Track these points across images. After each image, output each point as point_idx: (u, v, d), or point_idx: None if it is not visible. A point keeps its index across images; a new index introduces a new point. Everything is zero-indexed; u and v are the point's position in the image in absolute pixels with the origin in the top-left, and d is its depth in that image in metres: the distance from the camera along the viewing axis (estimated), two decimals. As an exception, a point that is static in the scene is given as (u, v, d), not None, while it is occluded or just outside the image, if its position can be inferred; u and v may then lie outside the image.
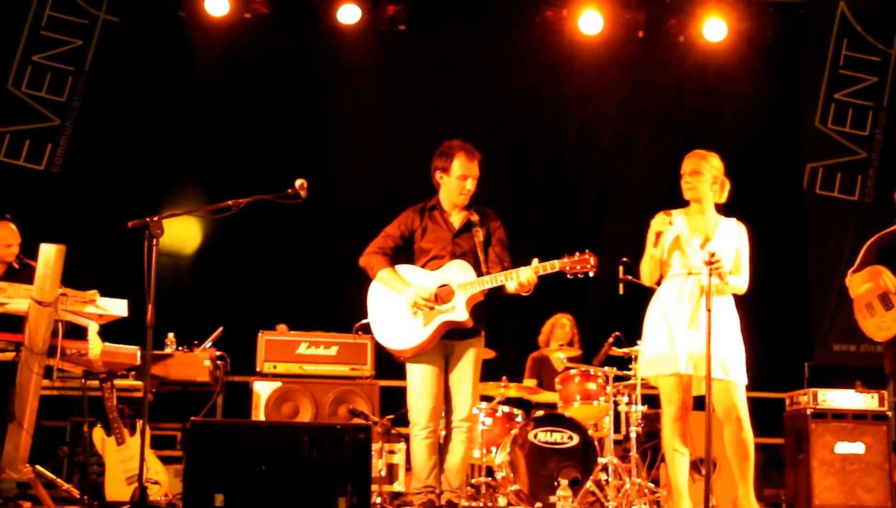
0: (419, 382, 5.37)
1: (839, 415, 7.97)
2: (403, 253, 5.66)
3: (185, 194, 9.33)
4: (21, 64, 9.43)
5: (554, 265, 5.32)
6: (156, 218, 5.19)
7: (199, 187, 9.37)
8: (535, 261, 5.32)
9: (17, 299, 5.75)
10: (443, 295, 5.33)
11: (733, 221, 5.61)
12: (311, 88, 9.90)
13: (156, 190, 9.36)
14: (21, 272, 6.79)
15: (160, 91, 9.70)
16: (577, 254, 5.34)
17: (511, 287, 5.31)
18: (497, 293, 5.57)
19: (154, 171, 9.56)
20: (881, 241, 5.82)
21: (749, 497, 5.24)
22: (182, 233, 9.67)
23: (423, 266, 5.48)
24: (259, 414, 7.77)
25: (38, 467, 5.86)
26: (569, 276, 5.37)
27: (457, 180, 5.59)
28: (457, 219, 5.59)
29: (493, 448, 7.28)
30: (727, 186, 5.61)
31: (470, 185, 5.60)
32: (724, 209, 5.70)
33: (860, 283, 5.74)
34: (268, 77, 9.92)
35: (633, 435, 7.35)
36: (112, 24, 9.56)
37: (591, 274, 5.37)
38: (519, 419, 7.48)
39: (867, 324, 5.67)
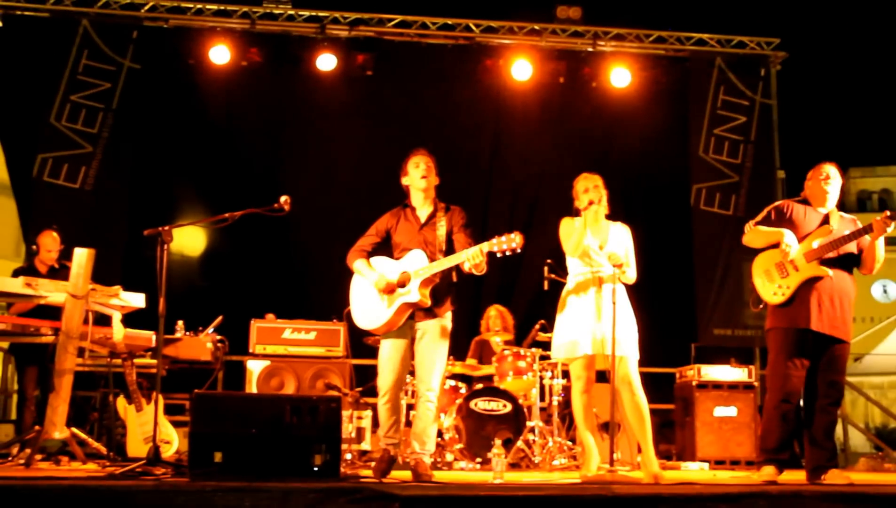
0: (385, 355, 5.28)
1: (717, 385, 8.11)
2: (386, 248, 5.50)
3: (192, 207, 9.26)
4: (62, 102, 9.43)
5: (490, 244, 4.95)
6: (167, 228, 5.15)
7: (203, 202, 9.29)
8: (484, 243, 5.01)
9: (55, 293, 5.76)
10: (402, 280, 5.23)
11: (619, 224, 5.56)
12: (296, 122, 9.87)
13: (168, 204, 9.34)
14: (60, 272, 6.85)
15: (173, 124, 9.69)
16: (505, 234, 4.93)
17: (466, 267, 5.06)
18: (465, 283, 5.38)
19: (167, 189, 9.55)
20: (788, 209, 5.45)
21: (649, 454, 5.24)
22: (190, 239, 9.62)
23: (395, 257, 5.39)
24: (252, 387, 7.75)
25: (73, 429, 5.83)
26: (499, 254, 4.95)
27: (413, 169, 5.39)
28: (423, 214, 5.41)
29: (442, 415, 7.30)
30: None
31: (424, 170, 5.37)
32: (618, 216, 5.61)
33: (762, 239, 5.38)
34: (261, 113, 9.91)
35: (554, 403, 7.40)
36: (135, 70, 9.56)
37: (518, 250, 4.91)
38: (462, 391, 7.50)
39: (764, 289, 5.33)
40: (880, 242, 5.25)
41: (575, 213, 5.55)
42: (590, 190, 5.47)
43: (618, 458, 5.26)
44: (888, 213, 5.09)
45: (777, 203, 5.53)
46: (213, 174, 9.64)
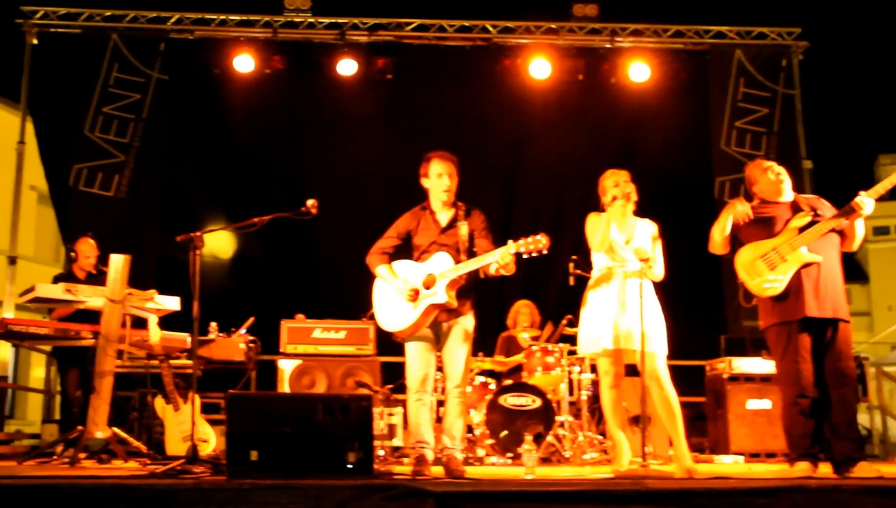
0: (413, 356, 5.25)
1: (749, 378, 7.94)
2: (406, 249, 5.46)
3: (220, 211, 9.35)
4: (95, 114, 9.57)
5: (517, 245, 4.90)
6: (198, 233, 5.14)
7: (230, 206, 9.39)
8: (509, 243, 5.00)
9: (94, 298, 5.82)
10: (428, 282, 5.21)
11: (647, 220, 5.49)
12: (318, 126, 9.91)
13: (197, 209, 9.45)
14: (98, 277, 6.91)
15: (201, 131, 9.78)
16: (531, 236, 4.89)
17: (492, 269, 5.05)
18: (491, 281, 5.37)
19: (196, 194, 9.65)
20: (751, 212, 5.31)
21: (682, 448, 5.12)
22: (220, 242, 9.68)
23: (416, 259, 5.36)
24: (283, 386, 7.74)
25: (114, 428, 5.86)
26: (524, 255, 4.90)
27: (435, 179, 5.32)
28: (443, 217, 5.35)
29: (472, 410, 7.26)
30: None
31: (446, 181, 5.30)
32: (641, 210, 5.51)
33: (719, 234, 5.26)
34: (284, 119, 9.95)
35: (583, 398, 7.33)
36: (163, 81, 9.68)
37: (544, 252, 4.88)
38: (492, 386, 7.46)
39: (753, 284, 5.15)
40: (860, 221, 5.15)
41: (601, 209, 5.48)
42: (619, 184, 5.39)
43: (649, 452, 5.18)
44: (862, 193, 5.01)
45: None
46: (240, 179, 9.71)
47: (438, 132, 9.40)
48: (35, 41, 9.61)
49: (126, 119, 9.52)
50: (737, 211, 5.19)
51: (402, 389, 5.78)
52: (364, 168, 9.75)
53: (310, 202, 5.37)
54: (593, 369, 7.22)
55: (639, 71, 9.82)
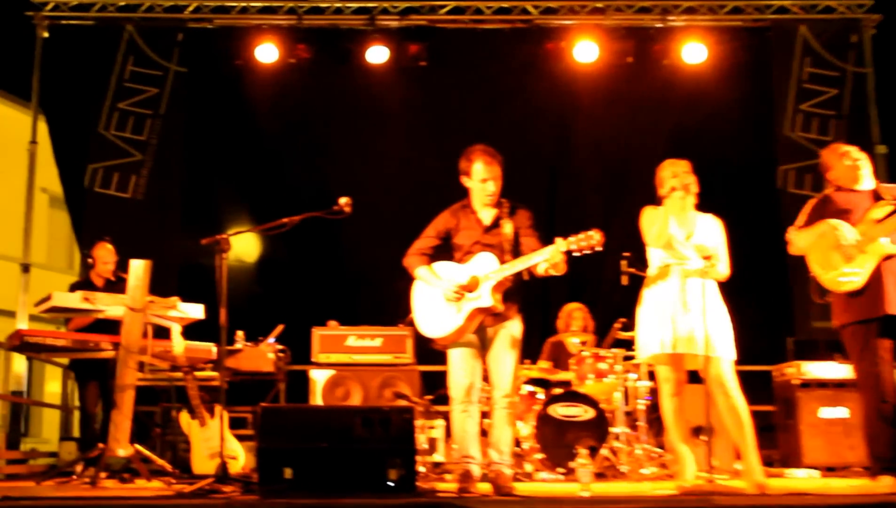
0: (457, 363, 5.24)
1: (822, 384, 7.78)
2: (445, 249, 5.46)
3: (244, 212, 9.41)
4: (110, 111, 9.64)
5: (567, 243, 4.88)
6: (225, 235, 5.17)
7: (254, 206, 9.45)
8: (558, 240, 4.98)
9: (114, 307, 5.83)
10: (471, 285, 5.19)
11: (710, 216, 5.45)
12: (348, 119, 9.89)
13: (220, 209, 9.52)
14: (117, 284, 6.97)
15: (222, 127, 9.82)
16: (583, 232, 4.87)
17: (541, 270, 5.06)
18: (533, 282, 5.34)
19: (218, 194, 9.70)
20: (827, 201, 5.35)
21: (752, 462, 5.02)
22: (245, 245, 9.73)
23: (458, 261, 5.35)
24: (316, 398, 7.76)
25: (137, 445, 5.90)
26: (576, 253, 4.89)
27: (479, 184, 5.32)
28: (486, 216, 5.35)
29: (519, 423, 7.22)
30: None
31: (491, 187, 5.30)
32: (705, 205, 5.48)
33: (807, 241, 5.28)
34: (311, 111, 9.94)
35: (640, 408, 7.26)
36: (181, 74, 9.73)
37: (598, 249, 4.87)
38: (540, 396, 7.42)
39: (828, 278, 5.12)
40: None
41: (657, 202, 5.43)
42: (679, 175, 5.34)
43: (715, 466, 5.11)
44: None
45: (812, 201, 5.38)
46: (264, 177, 9.74)
47: (476, 123, 9.39)
48: (46, 34, 9.69)
49: (143, 115, 9.60)
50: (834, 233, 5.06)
51: (442, 400, 5.78)
52: (399, 162, 9.74)
53: (343, 200, 5.39)
54: (651, 376, 7.15)
55: (693, 52, 9.72)
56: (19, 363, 9.07)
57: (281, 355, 7.35)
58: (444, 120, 9.67)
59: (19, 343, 5.96)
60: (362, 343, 7.95)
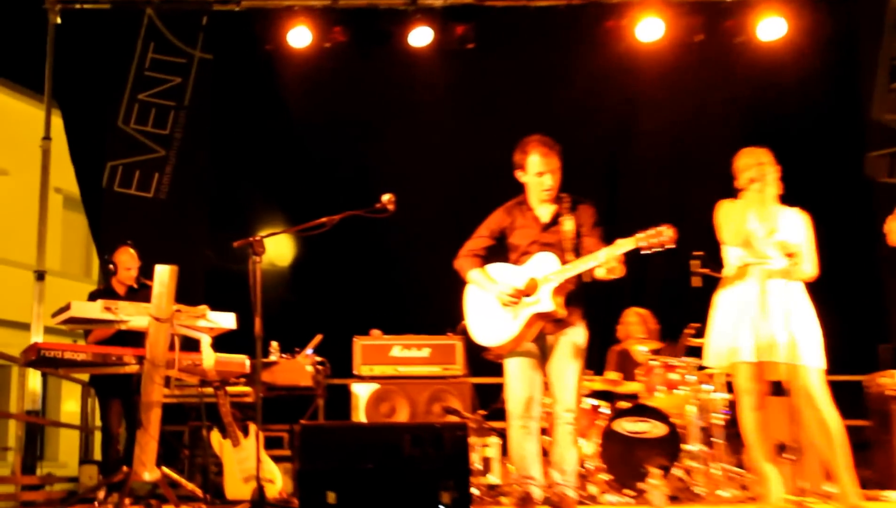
0: (515, 375, 5.25)
1: (922, 395, 7.70)
2: (500, 250, 5.47)
3: (276, 211, 9.49)
4: (129, 103, 9.72)
5: (634, 240, 4.89)
6: (258, 237, 5.21)
7: (287, 205, 9.51)
8: (617, 241, 5.00)
9: (137, 317, 5.81)
10: (529, 288, 5.19)
11: (795, 210, 5.41)
12: (388, 107, 9.92)
13: (250, 209, 9.61)
14: (140, 292, 7.02)
15: (252, 118, 9.90)
16: (653, 228, 4.87)
17: (600, 273, 5.06)
18: (595, 285, 5.33)
19: (248, 191, 9.78)
20: None
21: (847, 483, 4.95)
22: (278, 247, 9.79)
23: (514, 262, 5.35)
24: (359, 415, 7.81)
25: (164, 468, 5.93)
26: (646, 251, 4.89)
27: (535, 178, 5.33)
28: (544, 213, 5.36)
29: (581, 440, 7.19)
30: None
31: (549, 180, 5.30)
32: (785, 198, 5.45)
33: None
34: (348, 100, 9.96)
35: (716, 422, 7.20)
36: (207, 62, 9.80)
37: (670, 246, 4.88)
38: (604, 410, 7.39)
39: None
40: None
41: (734, 194, 5.40)
42: (758, 165, 5.30)
43: (803, 488, 5.07)
44: None
45: None
46: (298, 173, 9.84)
47: (530, 110, 9.36)
48: (58, 20, 9.74)
49: (165, 107, 9.69)
50: None
51: (497, 415, 5.78)
52: (446, 155, 9.74)
53: (385, 197, 5.42)
54: (729, 387, 7.09)
55: (770, 27, 9.62)
56: (34, 379, 9.09)
57: (320, 367, 7.39)
58: (495, 108, 9.67)
59: (36, 358, 5.88)
60: (409, 354, 7.98)
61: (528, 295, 5.17)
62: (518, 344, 5.20)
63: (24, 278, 11.59)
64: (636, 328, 8.15)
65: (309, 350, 7.24)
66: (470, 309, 5.42)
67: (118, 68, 9.75)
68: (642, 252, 4.91)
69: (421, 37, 9.72)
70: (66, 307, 5.81)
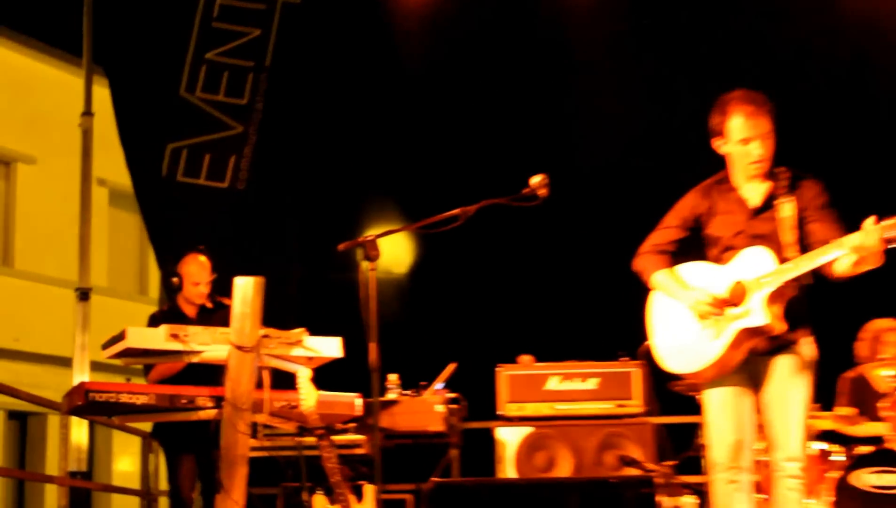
0: (716, 411, 5.24)
1: None
2: (695, 245, 5.46)
3: (392, 204, 9.65)
4: (193, 65, 9.89)
5: (879, 228, 4.71)
6: (370, 237, 5.28)
7: (407, 195, 9.61)
8: (871, 220, 4.80)
9: (214, 346, 5.81)
10: (735, 296, 5.18)
11: None
12: (534, 63, 9.99)
13: (356, 201, 9.77)
14: (215, 314, 7.05)
15: (354, 82, 9.99)
16: None
17: (841, 267, 5.03)
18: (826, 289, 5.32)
19: (352, 177, 9.92)
20: None
21: None
22: (392, 249, 9.87)
23: (715, 260, 5.35)
24: (506, 468, 7.86)
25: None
26: (893, 244, 4.75)
27: (740, 147, 5.27)
28: (754, 194, 5.32)
29: (808, 499, 7.16)
30: None
31: (759, 149, 5.22)
32: None
33: None
34: (481, 56, 10.06)
35: None
36: (293, 7, 9.95)
37: None
38: (837, 457, 7.36)
39: None
40: None
41: None
42: None
43: None
44: None
45: None
46: (417, 151, 9.95)
47: (729, 60, 9.31)
48: (101, -39, 9.95)
49: (242, 69, 9.86)
50: None
51: (692, 465, 5.79)
52: (615, 124, 9.72)
53: (535, 180, 5.47)
54: None
55: None
56: (79, 430, 9.14)
57: (454, 407, 7.49)
58: (681, 59, 9.69)
59: (83, 403, 5.73)
60: (570, 386, 8.03)
61: (734, 305, 5.18)
62: (722, 370, 5.21)
63: (61, 298, 11.82)
64: (882, 348, 8.05)
65: (439, 385, 7.34)
66: (655, 324, 5.45)
67: (178, 21, 9.94)
68: (891, 246, 4.84)
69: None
70: (121, 336, 5.78)
